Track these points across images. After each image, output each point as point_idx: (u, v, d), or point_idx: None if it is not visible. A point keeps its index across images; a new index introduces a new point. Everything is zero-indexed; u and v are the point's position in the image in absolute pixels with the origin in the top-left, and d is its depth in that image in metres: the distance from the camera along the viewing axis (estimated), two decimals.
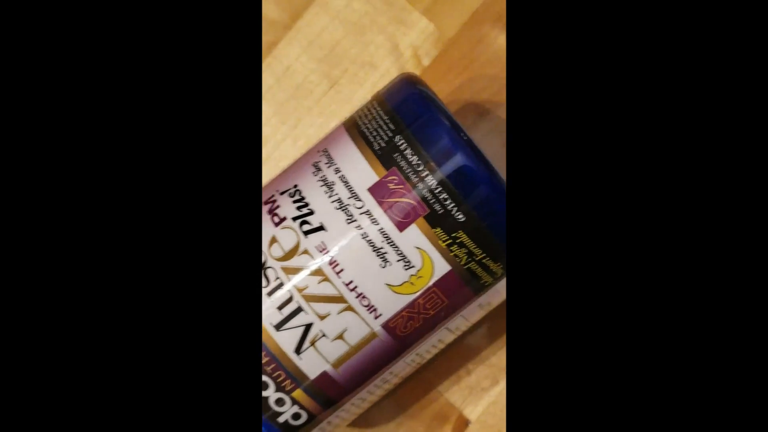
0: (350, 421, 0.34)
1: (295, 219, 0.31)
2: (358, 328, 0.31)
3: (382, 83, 0.37)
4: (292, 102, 0.37)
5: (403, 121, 0.30)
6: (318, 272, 0.30)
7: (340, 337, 0.31)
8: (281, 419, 0.31)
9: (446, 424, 0.37)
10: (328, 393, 0.31)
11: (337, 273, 0.30)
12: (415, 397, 0.37)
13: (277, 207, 0.31)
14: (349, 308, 0.31)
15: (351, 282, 0.30)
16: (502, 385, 0.37)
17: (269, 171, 0.38)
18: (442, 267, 0.30)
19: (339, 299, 0.31)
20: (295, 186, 0.31)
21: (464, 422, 0.37)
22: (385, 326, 0.31)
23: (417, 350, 0.32)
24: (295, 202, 0.31)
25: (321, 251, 0.30)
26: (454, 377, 0.37)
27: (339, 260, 0.30)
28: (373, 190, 0.30)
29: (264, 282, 0.31)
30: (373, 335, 0.31)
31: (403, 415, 0.37)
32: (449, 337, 0.33)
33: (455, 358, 0.37)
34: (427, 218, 0.30)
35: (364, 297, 0.30)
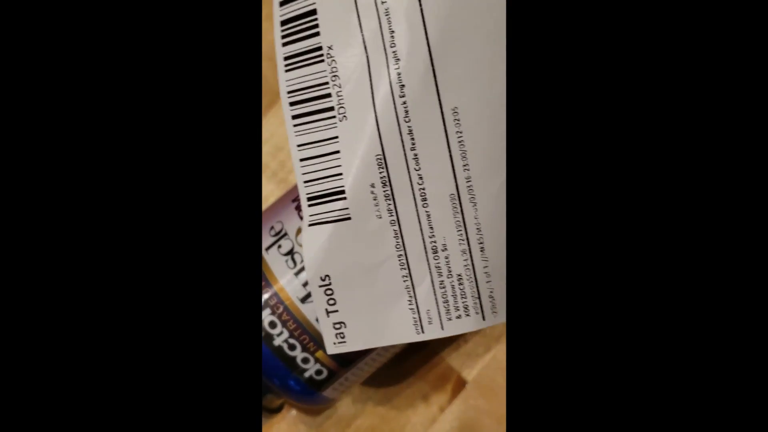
0: (364, 378, 0.36)
1: None
2: None
3: None
4: None
5: None
6: None
7: None
8: (306, 375, 0.33)
9: (447, 384, 0.39)
10: (344, 354, 0.33)
11: None
12: (421, 362, 0.40)
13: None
14: None
15: None
16: (493, 352, 0.39)
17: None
18: None
19: None
20: None
21: (462, 382, 0.39)
22: None
23: None
24: None
25: None
26: (454, 345, 0.40)
27: None
28: None
29: (291, 264, 0.33)
30: None
31: (412, 377, 0.40)
32: None
33: None
34: None
35: None
